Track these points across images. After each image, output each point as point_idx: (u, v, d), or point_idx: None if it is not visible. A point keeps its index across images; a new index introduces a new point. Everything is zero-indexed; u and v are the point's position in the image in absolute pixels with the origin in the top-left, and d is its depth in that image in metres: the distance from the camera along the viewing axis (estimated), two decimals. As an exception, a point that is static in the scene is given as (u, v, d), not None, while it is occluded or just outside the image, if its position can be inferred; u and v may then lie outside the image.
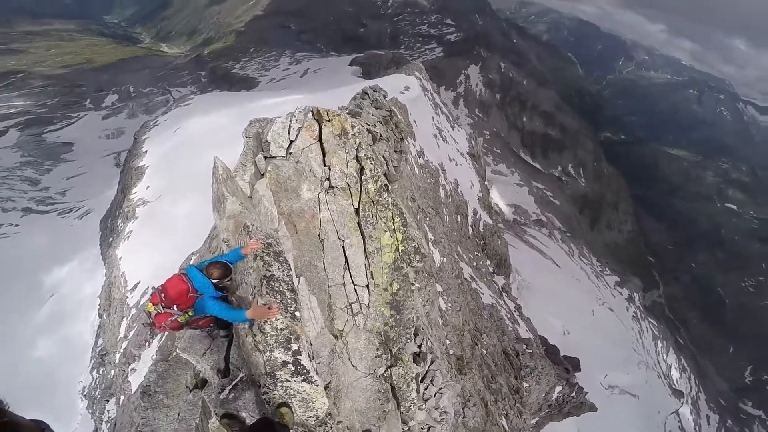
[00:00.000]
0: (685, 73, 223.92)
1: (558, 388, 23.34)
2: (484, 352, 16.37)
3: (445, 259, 17.37)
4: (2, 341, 24.06)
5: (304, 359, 4.09)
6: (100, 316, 22.86)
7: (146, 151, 31.62)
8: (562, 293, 47.45)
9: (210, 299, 4.13)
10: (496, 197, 64.03)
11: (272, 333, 4.05)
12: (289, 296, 4.36)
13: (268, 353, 3.97)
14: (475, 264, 28.10)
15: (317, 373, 4.38)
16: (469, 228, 30.64)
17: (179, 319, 4.26)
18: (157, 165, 28.62)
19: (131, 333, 16.39)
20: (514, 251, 44.79)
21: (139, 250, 21.50)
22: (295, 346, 4.07)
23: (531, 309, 34.25)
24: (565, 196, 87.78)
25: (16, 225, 37.62)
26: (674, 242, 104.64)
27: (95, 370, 19.88)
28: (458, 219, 28.26)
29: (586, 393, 28.30)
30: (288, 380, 3.99)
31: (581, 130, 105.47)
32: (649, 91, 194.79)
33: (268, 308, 3.91)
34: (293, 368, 4.02)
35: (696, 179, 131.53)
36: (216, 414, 3.81)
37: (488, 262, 32.87)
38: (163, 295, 4.19)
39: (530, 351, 21.93)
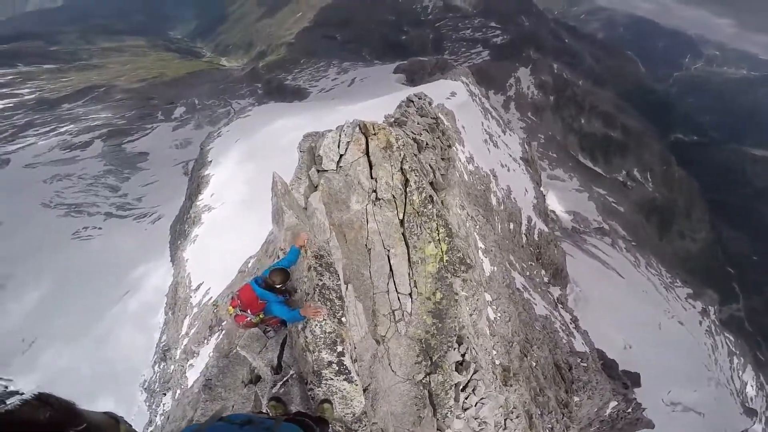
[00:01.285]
0: (764, 68, 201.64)
1: (613, 404, 21.94)
2: (534, 364, 15.81)
3: (495, 268, 17.03)
4: (81, 334, 27.06)
5: (346, 360, 4.46)
6: (166, 314, 24.70)
7: (211, 161, 34.00)
8: (624, 305, 44.70)
9: (274, 304, 4.75)
10: (553, 204, 61.48)
11: (321, 335, 4.46)
12: (337, 303, 4.77)
13: (316, 353, 4.38)
14: (528, 273, 27.16)
15: (357, 374, 4.71)
16: (523, 236, 29.72)
17: (253, 320, 4.97)
18: (221, 174, 30.71)
19: (192, 330, 17.32)
20: (572, 261, 42.82)
21: (203, 253, 23.06)
22: (339, 348, 4.46)
23: (589, 321, 32.64)
24: (629, 203, 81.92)
25: (99, 228, 42.17)
26: (759, 252, 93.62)
27: (157, 365, 21.39)
28: (511, 227, 27.53)
29: (644, 409, 26.39)
30: (331, 379, 4.36)
31: (647, 132, 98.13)
32: (723, 89, 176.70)
33: (317, 309, 4.44)
34: (337, 368, 4.40)
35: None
36: (265, 402, 4.28)
37: (543, 272, 31.61)
38: (239, 300, 4.89)
39: (584, 365, 20.80)
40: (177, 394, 15.66)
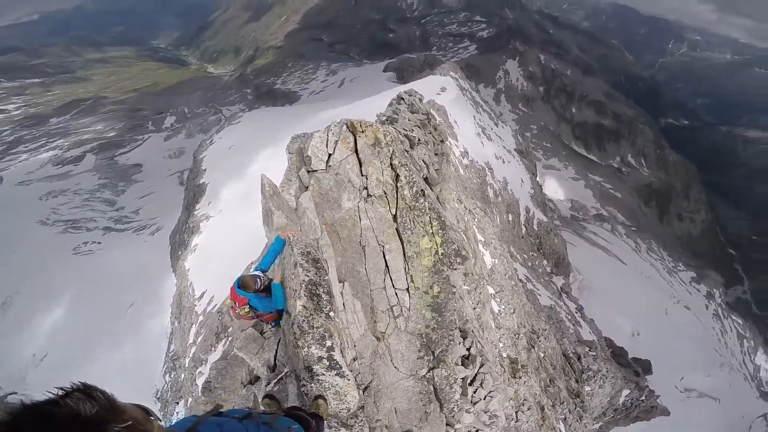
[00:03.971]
0: (746, 52, 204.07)
1: (626, 392, 21.87)
2: (542, 355, 15.78)
3: (496, 260, 16.99)
4: (91, 348, 26.99)
5: (337, 355, 4.42)
6: (172, 324, 24.72)
7: (205, 169, 33.94)
8: (629, 292, 44.41)
9: (254, 300, 4.92)
10: (550, 193, 61.34)
11: (309, 330, 4.45)
12: (325, 298, 4.73)
13: (306, 349, 4.36)
14: (530, 264, 27.18)
15: (350, 369, 4.69)
16: (522, 227, 29.71)
17: (241, 312, 5.14)
18: (216, 181, 30.66)
19: (199, 338, 17.33)
20: (573, 249, 42.73)
21: (204, 261, 23.05)
22: (329, 343, 4.43)
23: (594, 310, 32.51)
24: (627, 188, 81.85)
25: (99, 243, 42.07)
26: (759, 232, 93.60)
27: (167, 374, 21.42)
28: (510, 218, 27.54)
29: (658, 396, 26.29)
30: (323, 374, 4.34)
31: (638, 118, 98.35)
32: (709, 73, 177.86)
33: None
34: (327, 363, 4.38)
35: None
36: (260, 401, 4.28)
37: (545, 262, 31.63)
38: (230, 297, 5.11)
39: (593, 353, 20.75)
40: (189, 402, 15.69)
